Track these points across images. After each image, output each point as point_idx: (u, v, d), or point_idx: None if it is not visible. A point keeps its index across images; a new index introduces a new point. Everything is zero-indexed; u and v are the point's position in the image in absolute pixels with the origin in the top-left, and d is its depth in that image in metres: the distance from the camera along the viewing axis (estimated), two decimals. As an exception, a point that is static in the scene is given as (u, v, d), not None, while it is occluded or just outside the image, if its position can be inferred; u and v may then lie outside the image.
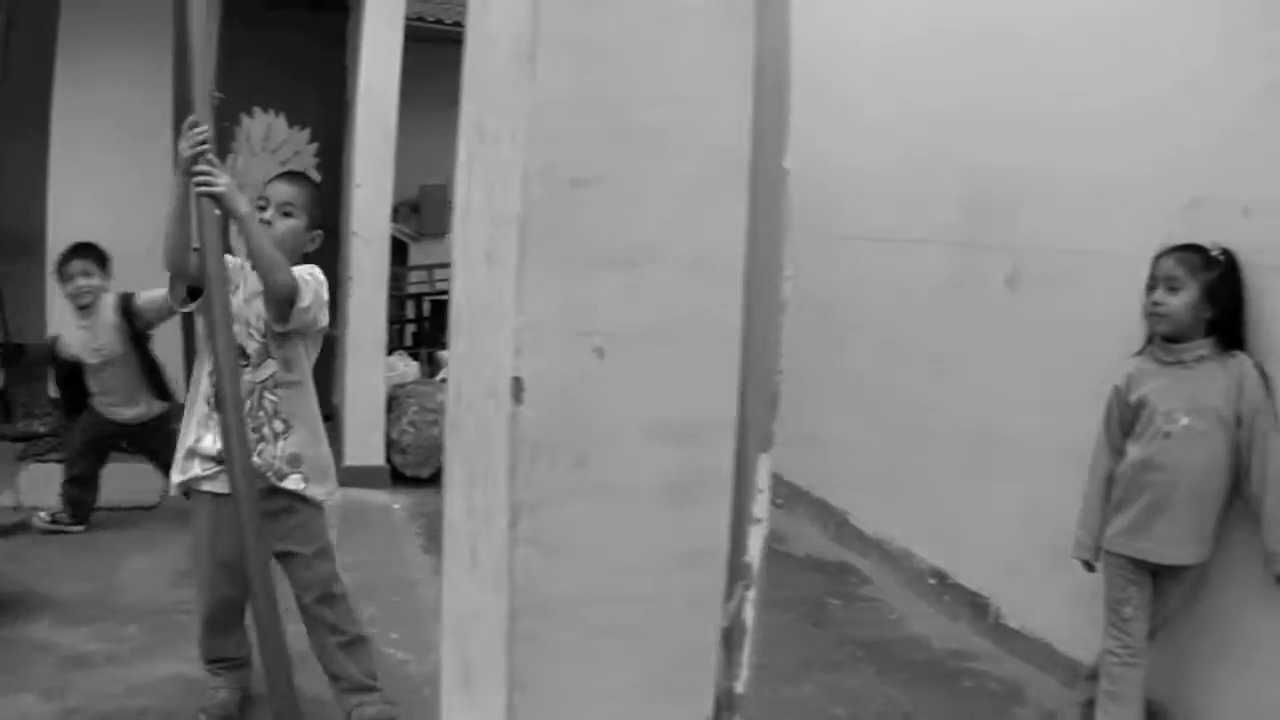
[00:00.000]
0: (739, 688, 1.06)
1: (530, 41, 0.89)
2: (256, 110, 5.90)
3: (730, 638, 1.05)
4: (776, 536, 4.74)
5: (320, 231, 2.72)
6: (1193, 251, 2.65)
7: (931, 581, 3.98)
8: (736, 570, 1.03)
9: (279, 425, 2.60)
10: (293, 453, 2.61)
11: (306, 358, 2.65)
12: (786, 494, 5.20)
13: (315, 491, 2.67)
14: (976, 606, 3.73)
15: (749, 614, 1.05)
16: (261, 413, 2.57)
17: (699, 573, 0.99)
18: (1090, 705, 2.79)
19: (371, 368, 5.16)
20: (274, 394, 2.59)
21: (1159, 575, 2.70)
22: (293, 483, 2.61)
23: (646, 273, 0.91)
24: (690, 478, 0.96)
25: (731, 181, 0.95)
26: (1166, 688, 2.87)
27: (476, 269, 1.04)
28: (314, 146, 6.02)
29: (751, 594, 1.05)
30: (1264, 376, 2.58)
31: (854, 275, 4.64)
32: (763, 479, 1.03)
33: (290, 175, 2.84)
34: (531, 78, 0.89)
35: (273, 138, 6.08)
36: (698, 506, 0.97)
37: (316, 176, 5.31)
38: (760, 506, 1.03)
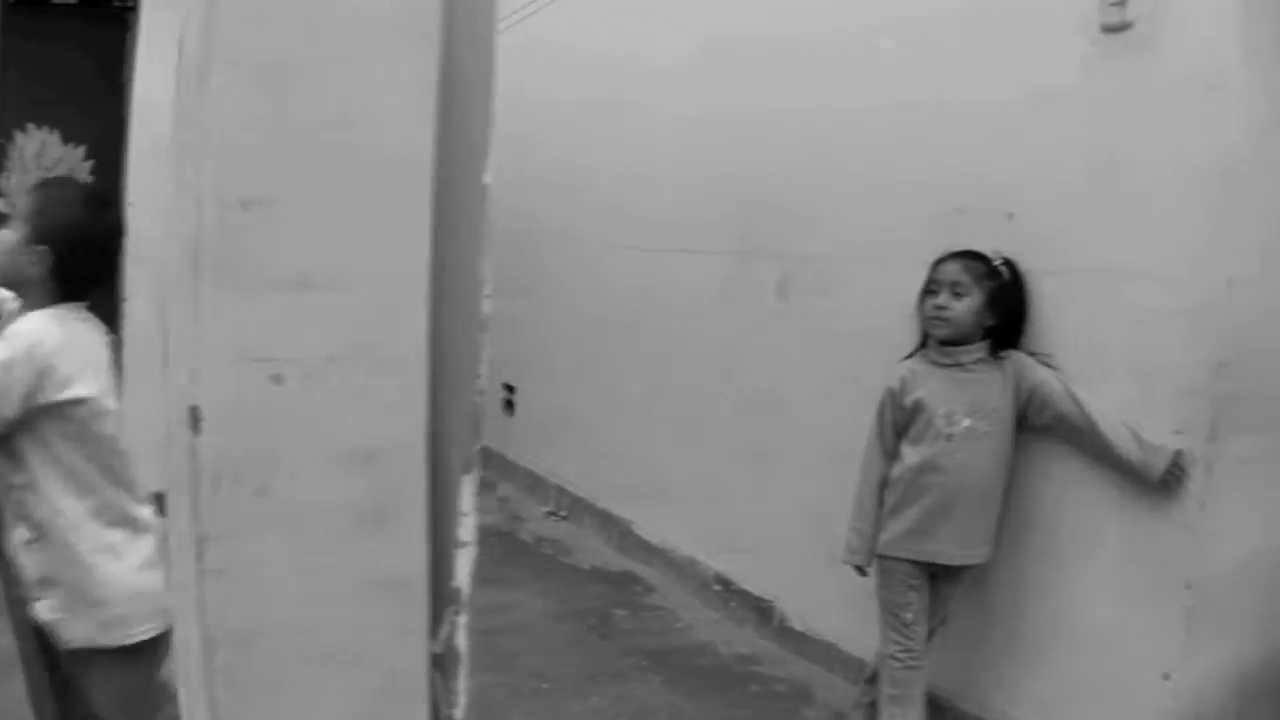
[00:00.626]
0: (458, 715, 1.06)
1: (203, 60, 0.87)
2: (30, 127, 5.53)
3: (445, 664, 1.04)
4: (561, 549, 4.83)
5: (46, 246, 1.91)
6: (976, 259, 2.73)
7: (716, 588, 4.06)
8: (445, 596, 1.02)
9: (25, 534, 1.97)
10: (42, 574, 1.96)
11: (47, 451, 1.91)
12: (570, 505, 5.23)
13: (73, 630, 1.96)
14: (761, 611, 3.81)
15: (462, 640, 1.04)
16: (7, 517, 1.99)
17: (398, 600, 0.98)
18: (873, 706, 2.82)
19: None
20: (13, 496, 1.96)
21: (937, 577, 2.74)
22: (44, 612, 1.97)
23: (324, 296, 0.90)
24: (380, 503, 0.95)
25: (413, 200, 0.94)
26: (957, 684, 2.96)
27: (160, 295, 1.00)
28: (89, 165, 5.68)
29: (463, 619, 1.03)
30: (1042, 361, 2.71)
31: (634, 285, 4.70)
32: (466, 501, 1.02)
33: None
34: (204, 97, 0.87)
35: (46, 155, 5.71)
36: (389, 533, 0.96)
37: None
38: (466, 529, 1.02)
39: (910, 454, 2.71)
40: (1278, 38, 2.51)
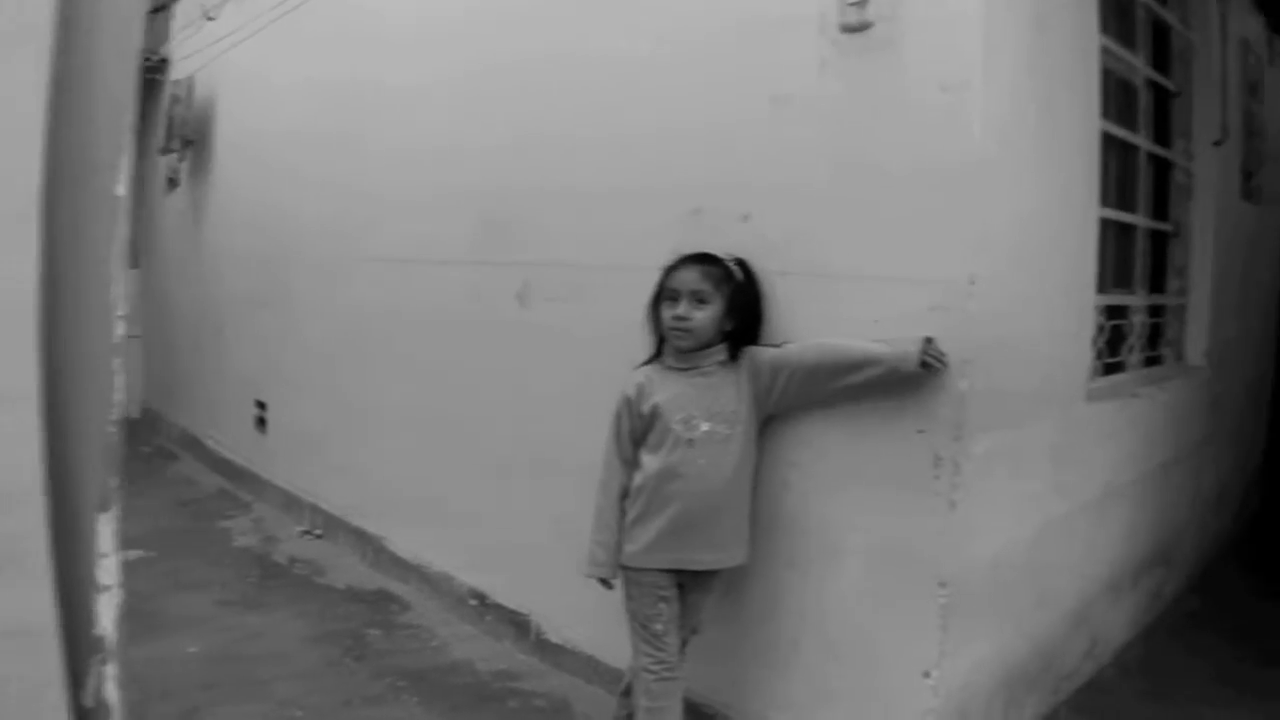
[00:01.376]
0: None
1: None
2: None
3: (97, 719, 0.93)
4: (316, 568, 4.68)
5: None
6: (718, 265, 2.70)
7: (472, 603, 4.00)
8: (86, 645, 0.92)
9: None
10: None
11: None
12: (325, 523, 5.09)
13: None
14: (518, 625, 3.78)
15: (113, 692, 0.94)
16: None
17: (26, 652, 0.87)
18: (630, 719, 2.80)
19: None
20: None
21: (686, 586, 2.72)
22: None
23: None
24: (-6, 554, 0.82)
25: (13, 214, 0.84)
26: (718, 690, 2.98)
27: None
28: None
29: (112, 669, 0.94)
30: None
31: (381, 297, 4.65)
32: (106, 542, 0.92)
33: None
34: None
35: None
36: (8, 581, 0.86)
37: None
38: (108, 571, 0.93)
39: (650, 462, 2.66)
40: (1019, 37, 2.66)
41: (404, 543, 4.51)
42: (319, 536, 5.15)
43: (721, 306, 2.68)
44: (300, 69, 5.57)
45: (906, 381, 2.48)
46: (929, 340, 2.43)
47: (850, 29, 2.65)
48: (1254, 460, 6.29)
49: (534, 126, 3.69)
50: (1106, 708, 3.41)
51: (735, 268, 2.73)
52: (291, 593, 4.37)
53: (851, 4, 2.64)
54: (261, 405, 5.94)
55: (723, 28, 2.97)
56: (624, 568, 2.71)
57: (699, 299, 2.67)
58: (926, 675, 2.52)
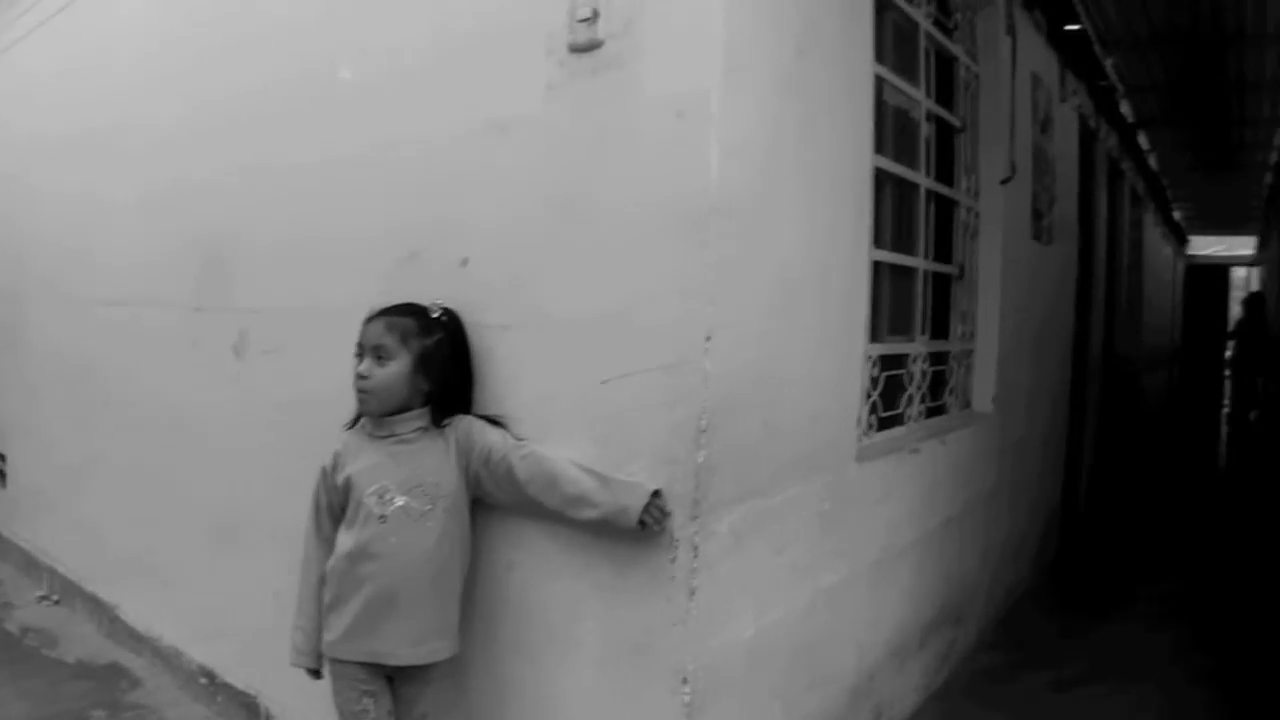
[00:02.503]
0: None
1: None
2: None
3: None
4: (48, 639, 4.49)
5: None
6: (407, 314, 2.50)
7: (203, 681, 3.72)
8: None
9: None
10: None
11: None
12: (62, 589, 4.88)
13: None
14: (248, 707, 3.50)
15: None
16: None
17: None
18: None
19: None
20: None
21: (398, 680, 2.50)
22: None
23: None
24: None
25: None
26: None
27: None
28: None
29: None
30: (494, 422, 2.51)
31: (106, 344, 4.46)
32: None
33: None
34: None
35: None
36: None
37: None
38: None
39: (344, 540, 2.46)
40: (773, 60, 2.52)
41: (136, 612, 4.29)
42: (56, 602, 4.95)
43: (409, 363, 2.46)
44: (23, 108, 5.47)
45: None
46: (656, 494, 2.27)
47: (579, 48, 2.44)
48: (1050, 506, 6.43)
49: (255, 165, 3.44)
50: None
51: (436, 319, 2.53)
52: (18, 668, 4.18)
53: (581, 20, 2.43)
54: (1, 457, 5.76)
55: (439, 49, 2.73)
56: (330, 659, 2.51)
57: (380, 355, 2.46)
58: None
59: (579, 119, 2.44)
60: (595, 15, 2.41)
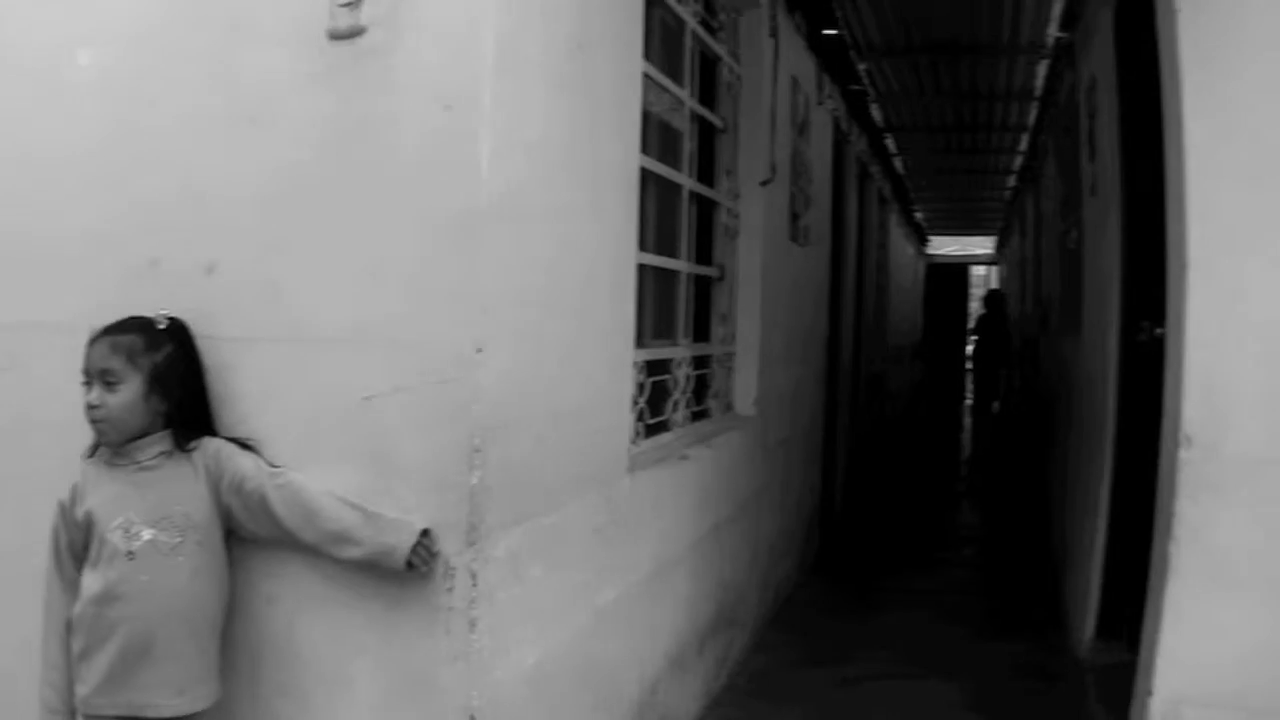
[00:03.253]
0: None
1: None
2: None
3: None
4: None
5: None
6: (132, 332, 2.31)
7: None
8: None
9: None
10: None
11: None
12: None
13: None
14: None
15: None
16: None
17: None
18: None
19: None
20: None
21: None
22: None
23: None
24: None
25: None
26: None
27: None
28: None
29: None
30: (245, 446, 2.34)
31: None
32: None
33: None
34: None
35: None
36: None
37: None
38: None
39: (90, 582, 2.27)
40: (549, 54, 2.50)
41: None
42: None
43: (141, 385, 2.28)
44: None
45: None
46: (425, 534, 2.21)
47: (340, 36, 2.31)
48: (812, 502, 6.74)
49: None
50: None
51: (163, 331, 2.34)
52: None
53: (343, 5, 2.31)
54: None
55: (183, 29, 2.50)
56: (81, 714, 2.30)
57: (108, 380, 2.26)
58: None
59: (339, 111, 2.32)
60: (358, 0, 2.30)
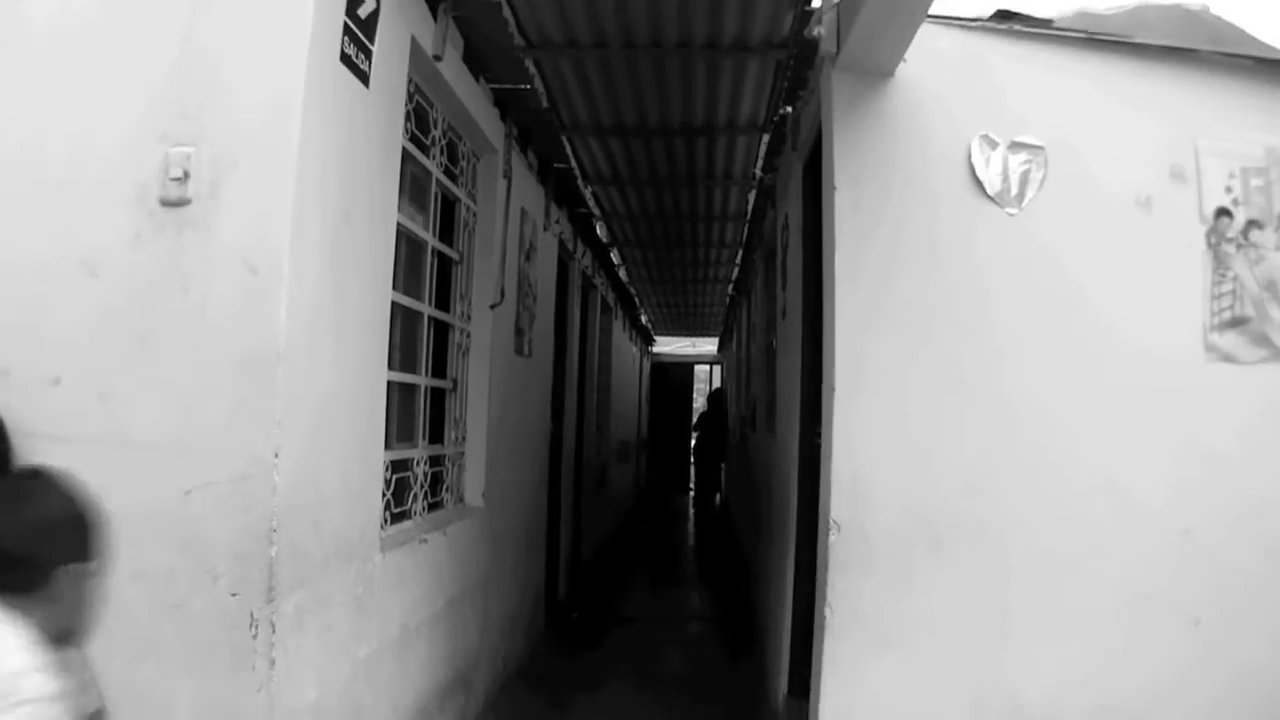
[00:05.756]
0: None
1: None
2: None
3: None
4: None
5: None
6: None
7: None
8: None
9: None
10: None
11: None
12: None
13: None
14: None
15: None
16: None
17: None
18: None
19: None
20: None
21: None
22: None
23: None
24: None
25: None
26: None
27: None
28: None
29: None
30: None
31: None
32: None
33: None
34: None
35: None
36: None
37: None
38: None
39: None
40: (326, 227, 3.39)
41: None
42: None
43: None
44: None
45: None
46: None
47: (169, 203, 3.16)
48: (537, 586, 7.71)
49: None
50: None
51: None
52: None
53: (173, 179, 3.16)
54: None
55: (34, 184, 3.26)
56: None
57: None
58: None
59: (166, 267, 3.15)
60: (186, 176, 3.15)
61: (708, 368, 24.23)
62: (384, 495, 4.30)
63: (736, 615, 8.87)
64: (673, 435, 21.61)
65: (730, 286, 13.80)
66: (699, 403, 21.92)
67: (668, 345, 22.75)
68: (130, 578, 2.99)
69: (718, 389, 19.26)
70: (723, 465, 16.19)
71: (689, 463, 20.57)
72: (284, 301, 3.13)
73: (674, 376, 23.13)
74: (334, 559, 3.57)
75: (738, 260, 11.78)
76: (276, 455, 3.09)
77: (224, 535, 3.07)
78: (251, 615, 3.05)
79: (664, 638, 8.39)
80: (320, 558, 3.44)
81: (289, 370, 3.17)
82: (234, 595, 3.05)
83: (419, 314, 4.97)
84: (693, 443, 18.16)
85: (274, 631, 3.07)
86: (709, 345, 22.29)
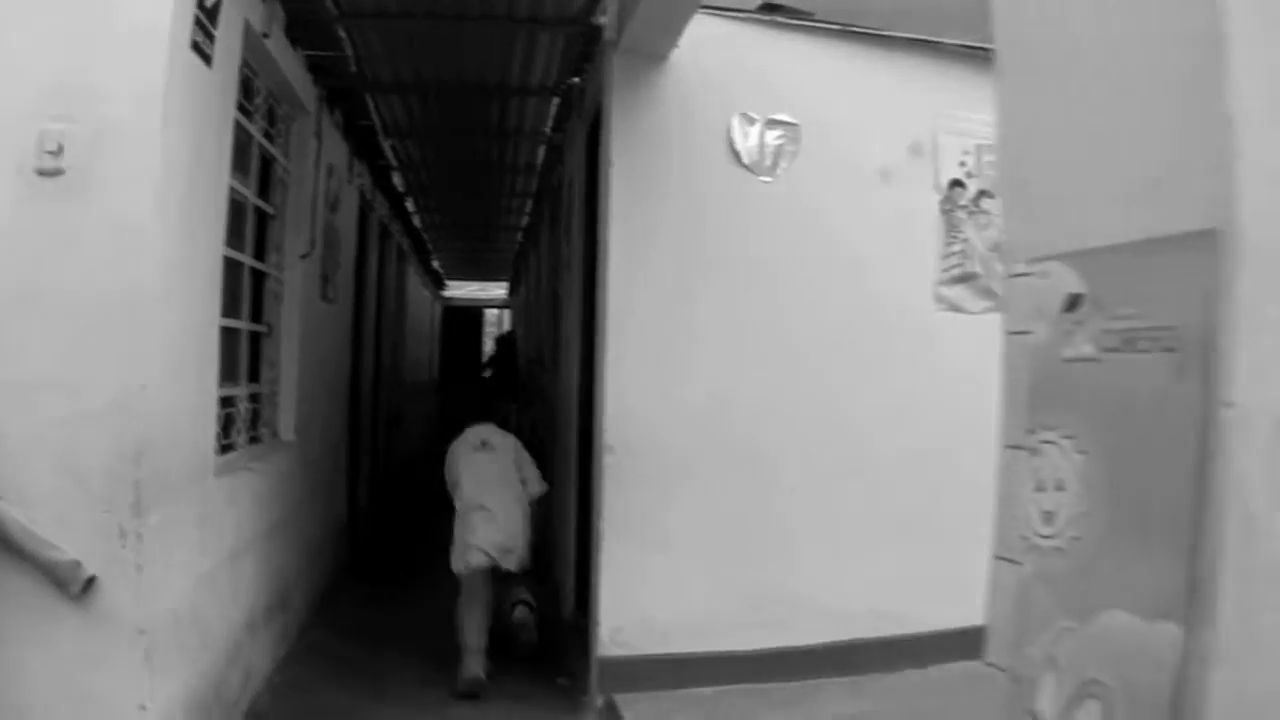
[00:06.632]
0: None
1: None
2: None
3: None
4: None
5: None
6: None
7: None
8: None
9: None
10: None
11: None
12: None
13: None
14: None
15: None
16: None
17: None
18: None
19: None
20: None
21: None
22: None
23: None
24: None
25: None
26: None
27: None
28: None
29: None
30: None
31: None
32: None
33: None
34: None
35: None
36: None
37: None
38: None
39: None
40: (181, 190, 3.89)
41: None
42: None
43: None
44: None
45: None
46: (75, 563, 3.51)
47: (46, 173, 3.62)
48: (341, 516, 8.33)
49: None
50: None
51: None
52: None
53: (48, 152, 3.61)
54: None
55: None
56: None
57: None
58: (143, 708, 3.64)
59: (43, 227, 3.62)
60: (60, 149, 3.62)
61: (498, 311, 24.86)
62: (217, 427, 4.86)
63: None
64: (464, 376, 22.14)
65: (520, 235, 14.47)
66: (491, 346, 22.53)
67: (460, 290, 23.27)
68: (20, 499, 3.54)
69: (508, 331, 19.88)
70: (511, 406, 16.78)
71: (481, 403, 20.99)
72: (148, 256, 3.68)
73: (466, 320, 23.68)
74: (184, 482, 4.14)
75: (528, 210, 12.46)
76: (143, 388, 3.65)
77: (99, 459, 3.60)
78: (121, 528, 3.60)
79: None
80: (174, 480, 4.01)
81: (152, 315, 3.72)
82: (106, 511, 3.59)
83: (241, 265, 5.50)
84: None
85: (141, 542, 3.64)
86: (500, 290, 22.93)
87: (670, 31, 5.19)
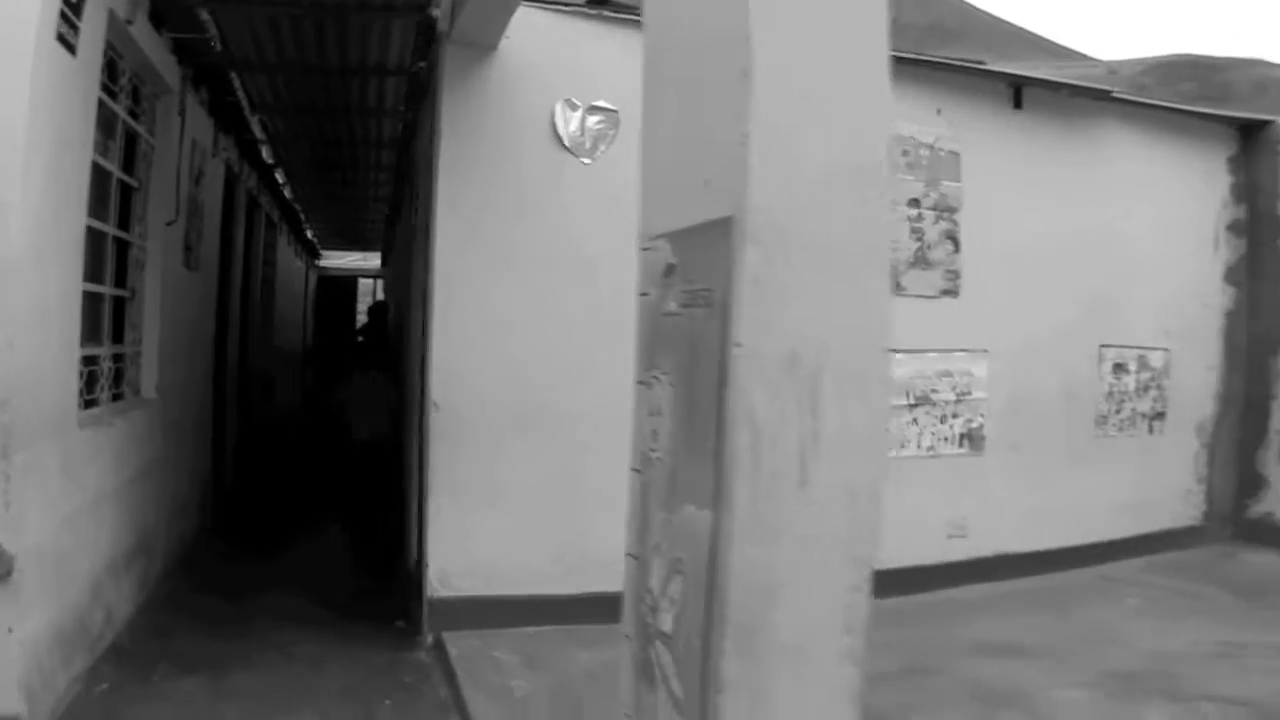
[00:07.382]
0: None
1: None
2: None
3: None
4: None
5: None
6: None
7: None
8: None
9: None
10: None
11: None
12: None
13: None
14: None
15: None
16: None
17: None
18: None
19: None
20: None
21: None
22: None
23: None
24: None
25: None
26: None
27: None
28: None
29: None
30: None
31: None
32: None
33: None
34: None
35: None
36: None
37: None
38: None
39: None
40: (47, 162, 4.35)
41: None
42: None
43: None
44: None
45: None
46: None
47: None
48: (205, 477, 8.78)
49: None
50: (128, 661, 5.45)
51: None
52: None
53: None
54: None
55: None
56: None
57: None
58: (10, 630, 4.14)
59: None
60: None
61: (373, 280, 25.13)
62: (80, 383, 5.34)
63: (390, 500, 10.22)
64: (339, 345, 22.44)
65: (386, 207, 14.90)
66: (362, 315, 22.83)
67: (339, 259, 23.53)
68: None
69: (379, 301, 20.21)
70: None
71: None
72: (15, 226, 4.16)
73: (340, 289, 23.96)
74: (48, 430, 4.63)
75: (392, 183, 12.89)
76: (10, 345, 4.15)
77: (-32, 406, 4.14)
78: (-22, 463, 4.15)
79: (325, 520, 9.72)
80: (39, 427, 4.49)
81: (20, 278, 4.20)
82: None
83: (105, 234, 5.95)
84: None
85: (9, 481, 4.15)
86: (377, 260, 23.23)
87: (497, 23, 5.80)
